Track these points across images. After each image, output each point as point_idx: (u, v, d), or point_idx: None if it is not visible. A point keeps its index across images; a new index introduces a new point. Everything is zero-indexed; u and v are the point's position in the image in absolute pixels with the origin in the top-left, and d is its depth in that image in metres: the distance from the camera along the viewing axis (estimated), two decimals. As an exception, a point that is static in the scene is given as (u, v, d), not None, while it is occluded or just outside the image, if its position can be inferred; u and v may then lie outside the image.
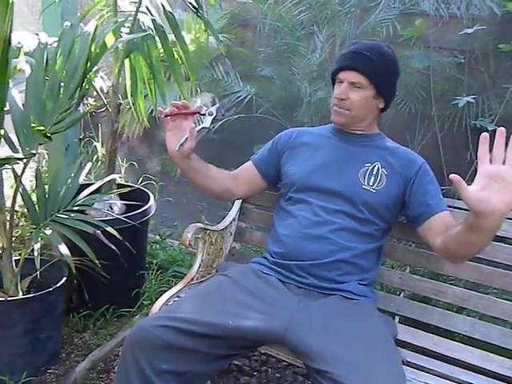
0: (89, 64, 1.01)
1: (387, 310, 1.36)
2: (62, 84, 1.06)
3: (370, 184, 1.21)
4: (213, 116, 1.18)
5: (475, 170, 0.89)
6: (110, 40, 1.23)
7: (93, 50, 1.03)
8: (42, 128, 0.95)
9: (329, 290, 1.17)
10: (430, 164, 1.26)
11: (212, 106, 1.21)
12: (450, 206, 1.37)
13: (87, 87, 1.07)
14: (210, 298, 1.13)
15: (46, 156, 2.18)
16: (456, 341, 1.30)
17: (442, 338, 1.30)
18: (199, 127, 1.18)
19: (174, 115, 1.16)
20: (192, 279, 1.41)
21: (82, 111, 2.12)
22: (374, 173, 1.22)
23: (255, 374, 1.62)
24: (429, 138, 2.11)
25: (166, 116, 1.15)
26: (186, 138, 1.15)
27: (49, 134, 0.96)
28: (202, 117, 1.18)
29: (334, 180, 1.23)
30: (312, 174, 1.26)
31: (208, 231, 1.45)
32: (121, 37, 1.51)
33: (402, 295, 1.42)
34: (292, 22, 2.61)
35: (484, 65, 2.08)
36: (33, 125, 0.96)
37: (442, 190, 1.50)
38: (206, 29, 1.59)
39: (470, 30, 1.66)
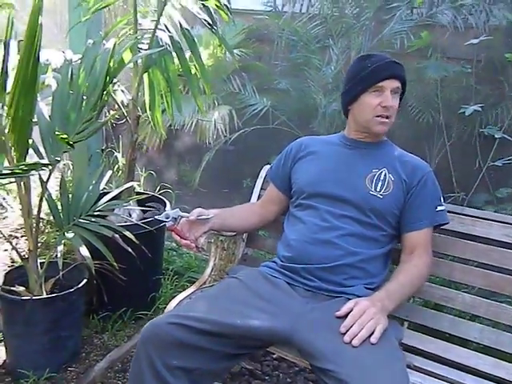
0: (108, 78, 1.10)
1: (397, 316, 1.38)
2: (85, 97, 1.15)
3: (378, 190, 1.24)
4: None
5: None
6: (127, 56, 1.32)
7: (111, 65, 1.12)
8: (65, 136, 1.04)
9: (335, 293, 1.19)
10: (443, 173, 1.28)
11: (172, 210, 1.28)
12: (457, 213, 1.40)
13: (106, 99, 1.15)
14: (219, 299, 1.17)
15: (71, 166, 2.30)
16: (466, 347, 1.30)
17: (451, 345, 1.29)
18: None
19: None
20: (205, 282, 1.47)
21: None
22: (382, 178, 1.25)
23: (267, 378, 1.65)
24: (450, 146, 2.09)
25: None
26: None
27: (71, 142, 1.05)
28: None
29: (342, 186, 1.26)
30: (320, 180, 1.30)
31: (220, 237, 1.51)
32: (139, 52, 1.62)
33: (411, 301, 1.44)
34: (307, 36, 2.69)
35: (503, 75, 2.07)
36: (57, 133, 1.05)
37: (451, 197, 1.51)
38: (220, 44, 1.66)
39: (475, 41, 1.68)
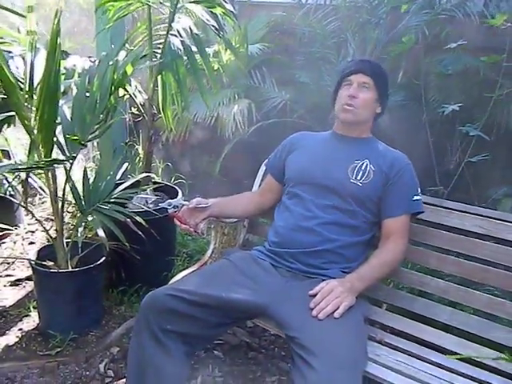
0: (113, 88, 1.30)
1: (375, 298, 1.51)
2: (98, 102, 1.35)
3: (358, 178, 1.37)
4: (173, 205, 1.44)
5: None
6: (130, 69, 1.51)
7: (115, 77, 1.32)
8: (76, 137, 1.25)
9: (313, 275, 1.34)
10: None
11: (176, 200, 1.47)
12: (435, 205, 1.50)
13: (109, 106, 1.35)
14: (210, 276, 1.36)
15: (99, 157, 2.56)
16: (436, 328, 1.41)
17: (424, 325, 1.41)
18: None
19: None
20: (205, 263, 1.65)
21: (128, 120, 2.47)
22: (363, 168, 1.38)
23: (263, 351, 1.83)
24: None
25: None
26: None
27: (83, 142, 1.26)
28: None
29: (325, 175, 1.40)
30: (306, 170, 1.45)
31: (220, 223, 1.68)
32: (155, 57, 1.81)
33: (390, 285, 1.57)
34: (323, 31, 2.78)
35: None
36: (67, 135, 1.27)
37: (431, 190, 1.61)
38: (226, 48, 1.83)
39: (453, 45, 1.74)
